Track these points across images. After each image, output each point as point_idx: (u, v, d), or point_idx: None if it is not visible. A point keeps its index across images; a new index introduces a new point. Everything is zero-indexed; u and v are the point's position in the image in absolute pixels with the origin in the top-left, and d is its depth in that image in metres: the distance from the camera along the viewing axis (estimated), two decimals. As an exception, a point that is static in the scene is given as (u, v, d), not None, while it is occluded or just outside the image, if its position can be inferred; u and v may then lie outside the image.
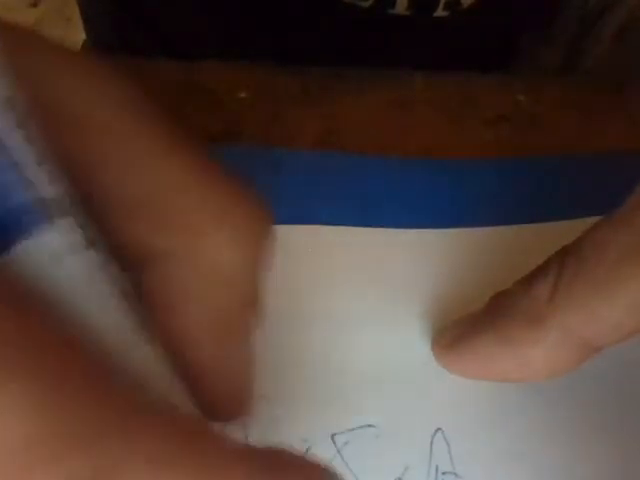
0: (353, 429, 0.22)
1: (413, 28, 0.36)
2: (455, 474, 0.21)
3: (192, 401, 0.16)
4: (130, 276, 0.15)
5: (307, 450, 0.21)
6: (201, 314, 0.16)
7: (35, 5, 1.16)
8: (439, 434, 0.22)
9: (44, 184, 0.13)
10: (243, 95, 0.28)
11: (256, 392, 0.22)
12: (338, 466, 0.21)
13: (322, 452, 0.21)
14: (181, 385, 0.16)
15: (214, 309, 0.16)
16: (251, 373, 0.18)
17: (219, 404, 0.17)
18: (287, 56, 0.29)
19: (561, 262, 0.19)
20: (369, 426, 0.22)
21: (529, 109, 0.29)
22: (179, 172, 0.16)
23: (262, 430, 0.21)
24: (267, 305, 0.23)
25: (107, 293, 0.14)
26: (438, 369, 0.22)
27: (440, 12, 0.35)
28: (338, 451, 0.21)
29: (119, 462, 0.12)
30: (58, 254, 0.13)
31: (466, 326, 0.21)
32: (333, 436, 0.21)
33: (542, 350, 0.20)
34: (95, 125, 0.15)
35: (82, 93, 0.15)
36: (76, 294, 0.13)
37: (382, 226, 0.25)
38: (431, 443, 0.22)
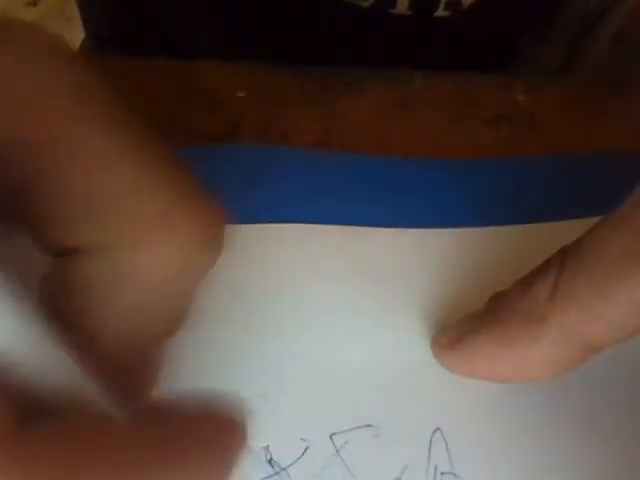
0: (352, 429, 0.22)
1: (413, 28, 0.36)
2: (454, 474, 0.21)
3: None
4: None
5: (306, 450, 0.21)
6: (113, 318, 0.15)
7: (34, 4, 1.16)
8: (438, 434, 0.22)
9: None
10: (243, 95, 0.28)
11: (256, 392, 0.22)
12: (337, 466, 0.21)
13: (321, 452, 0.21)
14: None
15: (128, 323, 0.15)
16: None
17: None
18: (287, 56, 0.29)
19: (561, 262, 0.19)
20: (368, 426, 0.22)
21: (529, 109, 0.29)
22: (124, 168, 0.14)
23: (261, 430, 0.21)
24: (267, 305, 0.23)
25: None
26: (437, 369, 0.22)
27: (441, 12, 0.35)
28: (337, 451, 0.21)
29: None
30: None
31: (466, 326, 0.21)
32: (332, 436, 0.21)
33: (542, 350, 0.20)
34: (48, 110, 0.14)
35: (40, 76, 0.14)
36: None
37: (382, 226, 0.25)
38: (430, 443, 0.22)
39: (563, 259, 0.19)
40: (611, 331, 0.19)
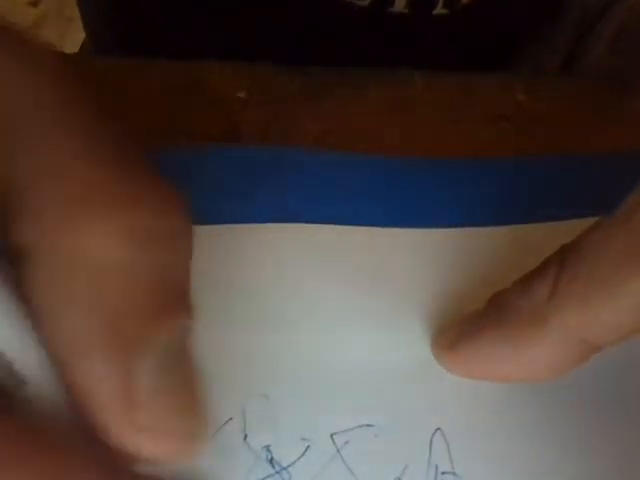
0: (353, 428, 0.22)
1: (412, 27, 0.36)
2: (454, 474, 0.21)
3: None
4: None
5: (307, 449, 0.21)
6: (85, 318, 0.13)
7: (35, 5, 1.16)
8: (438, 434, 0.22)
9: None
10: (243, 95, 0.28)
11: (256, 392, 0.22)
12: (338, 465, 0.21)
13: (322, 451, 0.21)
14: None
15: (100, 312, 0.13)
16: (164, 404, 0.15)
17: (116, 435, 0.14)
18: (287, 56, 0.29)
19: (560, 262, 0.19)
20: (368, 425, 0.22)
21: (529, 109, 0.29)
22: (75, 156, 0.14)
23: (261, 430, 0.21)
24: (267, 305, 0.23)
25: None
26: (438, 369, 0.22)
27: (439, 10, 0.35)
28: (338, 451, 0.21)
29: None
30: None
31: (466, 326, 0.21)
32: (333, 435, 0.21)
33: (542, 350, 0.20)
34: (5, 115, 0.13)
35: (22, 92, 0.14)
36: None
37: (382, 226, 0.25)
38: (430, 443, 0.22)
39: (562, 259, 0.19)
40: (611, 331, 0.19)
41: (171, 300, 0.15)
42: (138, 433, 0.14)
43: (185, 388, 0.15)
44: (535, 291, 0.20)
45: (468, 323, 0.22)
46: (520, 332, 0.20)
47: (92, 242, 0.13)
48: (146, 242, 0.14)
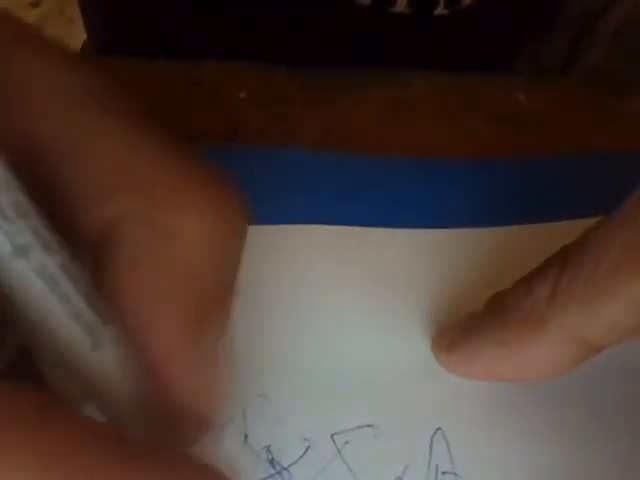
0: (353, 429, 0.22)
1: (413, 27, 0.36)
2: (455, 474, 0.21)
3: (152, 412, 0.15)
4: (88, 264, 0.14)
5: (307, 450, 0.21)
6: (176, 283, 0.14)
7: (36, 5, 1.16)
8: (439, 434, 0.22)
9: None
10: (243, 95, 0.28)
11: (256, 392, 0.22)
12: (338, 466, 0.21)
13: (322, 452, 0.21)
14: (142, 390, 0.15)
15: (190, 281, 0.15)
16: (222, 380, 0.16)
17: (185, 408, 0.15)
18: (287, 56, 0.29)
19: (561, 262, 0.19)
20: (369, 426, 0.22)
21: (529, 109, 0.29)
22: (152, 152, 0.15)
23: (262, 430, 0.21)
24: (267, 305, 0.23)
25: (63, 294, 0.13)
26: (438, 369, 0.22)
27: (440, 10, 0.35)
28: (338, 451, 0.21)
29: None
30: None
31: (466, 327, 0.21)
32: (333, 436, 0.21)
33: (543, 350, 0.20)
34: (57, 108, 0.14)
35: (49, 78, 0.14)
36: (30, 296, 0.13)
37: (382, 226, 0.25)
38: (431, 443, 0.22)
39: (564, 259, 0.19)
40: (612, 331, 0.19)
41: (233, 286, 0.16)
42: (197, 394, 0.15)
43: (223, 371, 0.16)
44: (535, 291, 0.20)
45: (468, 323, 0.21)
46: (520, 332, 0.20)
47: (192, 220, 0.14)
48: (225, 238, 0.15)
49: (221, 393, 0.16)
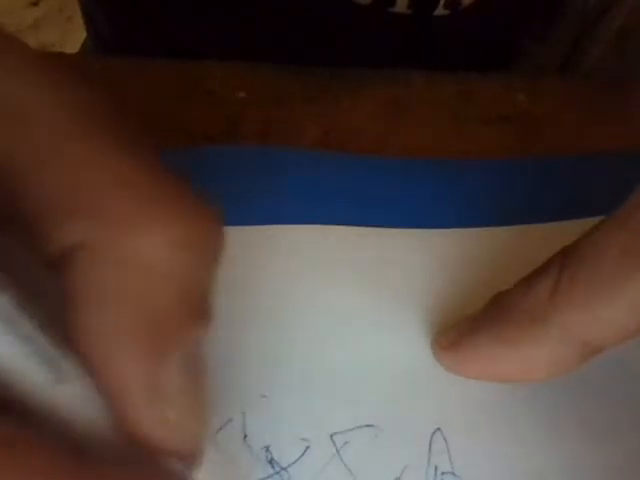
0: (352, 429, 0.22)
1: (413, 27, 0.36)
2: (454, 474, 0.21)
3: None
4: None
5: (306, 450, 0.21)
6: (128, 315, 0.14)
7: (36, 4, 1.16)
8: (438, 434, 0.22)
9: None
10: (243, 95, 0.28)
11: (256, 392, 0.22)
12: (337, 466, 0.21)
13: (321, 452, 0.21)
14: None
15: (144, 310, 0.14)
16: (196, 402, 0.15)
17: (151, 441, 0.15)
18: (287, 56, 0.29)
19: (562, 262, 0.19)
20: (368, 426, 0.22)
21: (529, 109, 0.29)
22: (115, 164, 0.14)
23: (261, 430, 0.21)
24: (267, 305, 0.23)
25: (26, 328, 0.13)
26: (437, 369, 0.22)
27: (440, 11, 0.35)
28: (337, 451, 0.21)
29: None
30: None
31: (467, 326, 0.21)
32: (332, 436, 0.21)
33: (543, 351, 0.20)
34: (26, 113, 0.14)
35: (29, 90, 0.14)
36: None
37: (382, 226, 0.25)
38: (430, 443, 0.22)
39: (564, 259, 0.19)
40: (612, 332, 0.19)
41: (202, 304, 0.15)
42: (164, 427, 0.15)
43: (200, 390, 0.16)
44: (536, 291, 0.20)
45: (469, 323, 0.21)
46: (521, 332, 0.20)
47: (148, 244, 0.14)
48: (192, 248, 0.15)
49: (196, 417, 0.15)
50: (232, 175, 0.26)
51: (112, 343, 0.14)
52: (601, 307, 0.18)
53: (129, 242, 0.14)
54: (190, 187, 0.15)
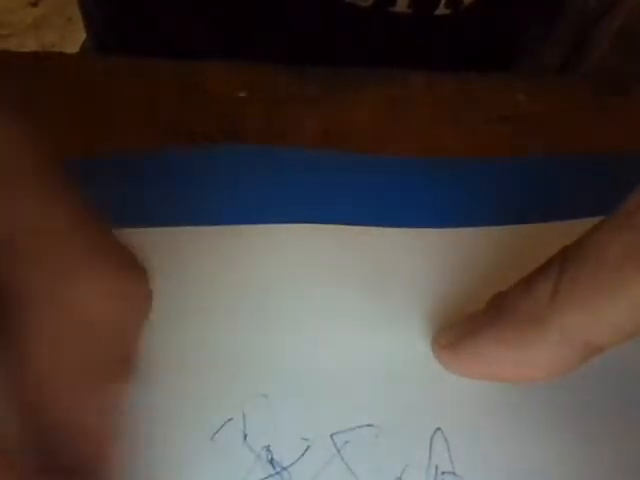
0: (353, 428, 0.22)
1: (414, 27, 0.36)
2: (454, 474, 0.21)
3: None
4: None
5: (307, 449, 0.21)
6: (58, 360, 0.15)
7: (35, 5, 1.16)
8: (439, 434, 0.22)
9: None
10: (243, 95, 0.28)
11: (256, 392, 0.22)
12: (338, 466, 0.21)
13: (322, 452, 0.21)
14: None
15: (74, 356, 0.15)
16: (112, 442, 0.17)
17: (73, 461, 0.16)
18: (287, 56, 0.29)
19: (562, 263, 0.19)
20: (369, 425, 0.22)
21: (529, 109, 0.29)
22: (49, 215, 0.15)
23: (261, 430, 0.21)
24: (268, 305, 0.23)
25: None
26: (438, 369, 0.22)
27: (441, 10, 0.35)
28: (338, 451, 0.21)
29: None
30: None
31: (466, 326, 0.21)
32: (333, 435, 0.21)
33: (543, 351, 0.20)
34: None
35: None
36: None
37: (382, 226, 0.25)
38: (431, 443, 0.22)
39: (564, 260, 0.19)
40: (613, 333, 0.19)
41: (131, 356, 0.16)
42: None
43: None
44: (536, 292, 0.20)
45: (468, 323, 0.21)
46: (520, 333, 0.20)
47: (82, 295, 0.15)
48: (122, 301, 0.16)
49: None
50: (232, 175, 0.26)
51: (47, 384, 0.15)
52: (602, 308, 0.18)
53: (64, 292, 0.15)
54: (121, 240, 0.16)
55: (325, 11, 0.36)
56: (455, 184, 0.26)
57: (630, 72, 0.31)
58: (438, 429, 0.22)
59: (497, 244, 0.25)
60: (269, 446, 0.21)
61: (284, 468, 0.21)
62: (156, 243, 0.24)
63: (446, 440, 0.22)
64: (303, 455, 0.21)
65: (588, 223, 0.20)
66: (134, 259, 0.16)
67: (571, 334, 0.19)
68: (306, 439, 0.21)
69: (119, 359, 0.16)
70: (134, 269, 0.16)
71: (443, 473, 0.21)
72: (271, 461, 0.21)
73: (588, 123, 0.29)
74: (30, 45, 1.10)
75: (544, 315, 0.19)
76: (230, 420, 0.21)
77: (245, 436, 0.21)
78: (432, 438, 0.22)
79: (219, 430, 0.21)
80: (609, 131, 0.29)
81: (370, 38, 0.37)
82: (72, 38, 1.06)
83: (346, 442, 0.21)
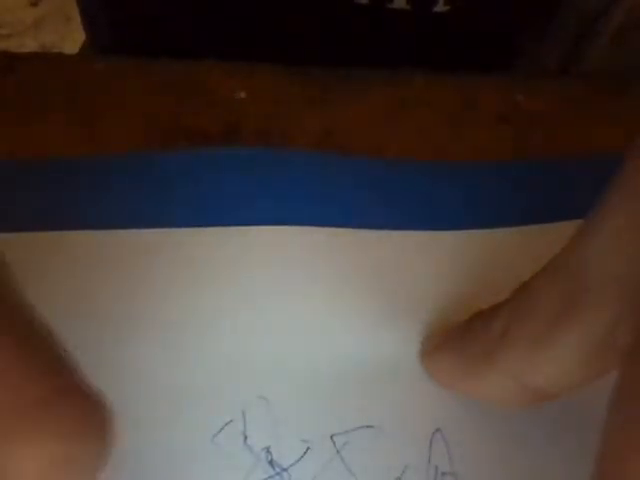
0: (353, 429, 0.22)
1: (413, 24, 0.36)
2: (454, 474, 0.21)
3: None
4: None
5: (307, 450, 0.21)
6: None
7: (35, 4, 1.16)
8: (438, 434, 0.22)
9: None
10: (243, 95, 0.28)
11: (255, 392, 0.22)
12: (338, 466, 0.21)
13: (322, 452, 0.21)
14: None
15: None
16: None
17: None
18: (287, 56, 0.29)
19: (515, 302, 0.19)
20: (368, 426, 0.22)
21: (529, 109, 0.29)
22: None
23: (261, 431, 0.21)
24: (267, 306, 0.23)
25: None
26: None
27: (440, 7, 0.35)
28: (338, 451, 0.21)
29: None
30: None
31: (444, 337, 0.22)
32: (332, 436, 0.21)
33: (490, 383, 0.20)
34: None
35: None
36: None
37: (381, 228, 0.25)
38: (430, 443, 0.22)
39: (517, 299, 0.19)
40: (552, 381, 0.18)
41: None
42: None
43: None
44: (494, 324, 0.19)
45: (447, 335, 0.22)
46: (474, 359, 0.20)
47: (17, 465, 0.14)
48: (66, 467, 0.14)
49: None
50: (232, 175, 0.26)
51: None
52: (538, 356, 0.18)
53: (7, 455, 0.13)
54: (75, 381, 0.15)
55: (324, 11, 0.36)
56: (455, 185, 0.26)
57: (629, 72, 0.31)
58: (438, 430, 0.22)
59: (497, 246, 0.25)
60: (269, 447, 0.21)
61: (284, 469, 0.21)
62: (157, 244, 0.24)
63: (446, 441, 0.22)
64: (303, 456, 0.21)
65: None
66: (88, 413, 0.14)
67: (512, 378, 0.19)
68: (306, 440, 0.21)
69: None
70: (85, 427, 0.14)
71: (443, 474, 0.21)
72: (271, 462, 0.21)
73: (588, 123, 0.29)
74: (30, 45, 1.10)
75: (493, 352, 0.19)
76: (230, 422, 0.21)
77: (245, 437, 0.21)
78: (432, 438, 0.22)
79: (219, 432, 0.21)
80: (609, 131, 0.28)
81: (369, 37, 0.37)
82: (72, 38, 1.06)
83: (346, 443, 0.21)
